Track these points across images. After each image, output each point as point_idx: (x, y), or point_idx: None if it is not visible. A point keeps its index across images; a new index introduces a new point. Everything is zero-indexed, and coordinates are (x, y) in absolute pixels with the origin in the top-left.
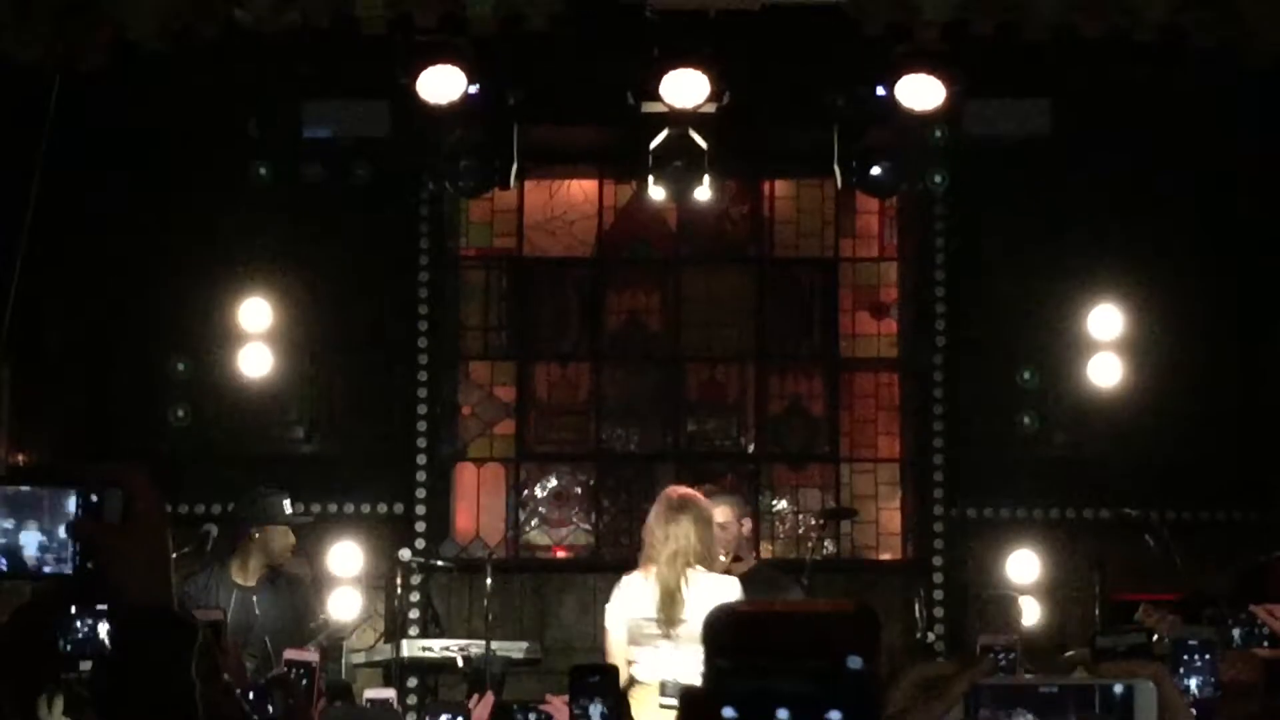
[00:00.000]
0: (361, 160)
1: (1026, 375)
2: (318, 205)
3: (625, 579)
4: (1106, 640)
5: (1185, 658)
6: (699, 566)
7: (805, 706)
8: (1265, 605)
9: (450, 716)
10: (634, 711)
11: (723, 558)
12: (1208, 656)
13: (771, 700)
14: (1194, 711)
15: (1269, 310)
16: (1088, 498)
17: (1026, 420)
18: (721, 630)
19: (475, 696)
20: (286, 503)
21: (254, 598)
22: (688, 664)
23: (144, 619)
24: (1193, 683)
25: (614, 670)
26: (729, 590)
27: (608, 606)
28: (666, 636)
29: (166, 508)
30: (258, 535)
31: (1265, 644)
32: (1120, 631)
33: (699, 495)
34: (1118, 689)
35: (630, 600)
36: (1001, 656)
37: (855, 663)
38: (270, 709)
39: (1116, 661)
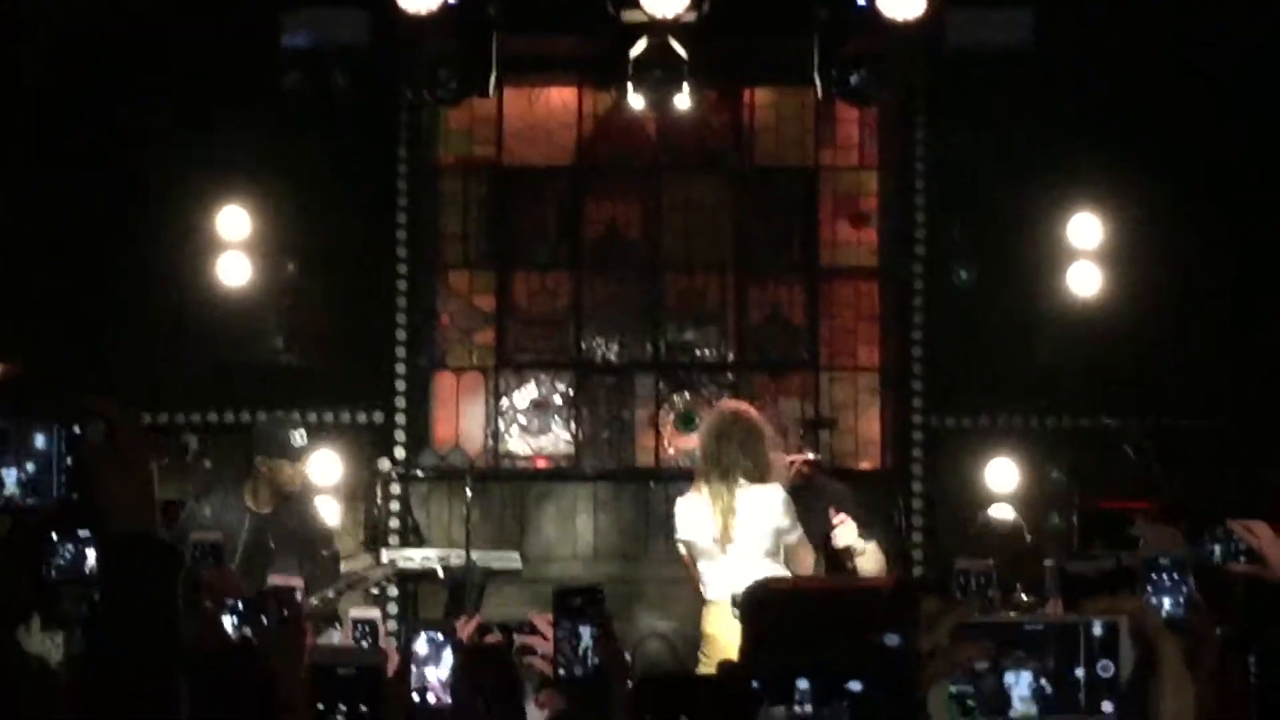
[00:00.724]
0: (340, 69)
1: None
2: (297, 114)
3: (680, 500)
4: (1077, 567)
5: (1156, 577)
6: (745, 481)
7: (826, 678)
8: (1244, 521)
9: (433, 635)
10: (710, 627)
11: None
12: (1178, 576)
13: (795, 673)
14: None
15: (1248, 219)
16: (1066, 407)
17: (1006, 330)
18: (758, 606)
19: (462, 620)
20: (296, 434)
21: (267, 528)
22: (747, 575)
23: (129, 545)
24: (1165, 602)
25: (599, 590)
26: (774, 501)
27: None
28: (724, 553)
29: (149, 437)
30: (265, 466)
31: (1243, 559)
32: (1090, 556)
33: (749, 411)
34: (1100, 625)
35: (688, 521)
36: (975, 580)
37: (892, 639)
38: (264, 620)
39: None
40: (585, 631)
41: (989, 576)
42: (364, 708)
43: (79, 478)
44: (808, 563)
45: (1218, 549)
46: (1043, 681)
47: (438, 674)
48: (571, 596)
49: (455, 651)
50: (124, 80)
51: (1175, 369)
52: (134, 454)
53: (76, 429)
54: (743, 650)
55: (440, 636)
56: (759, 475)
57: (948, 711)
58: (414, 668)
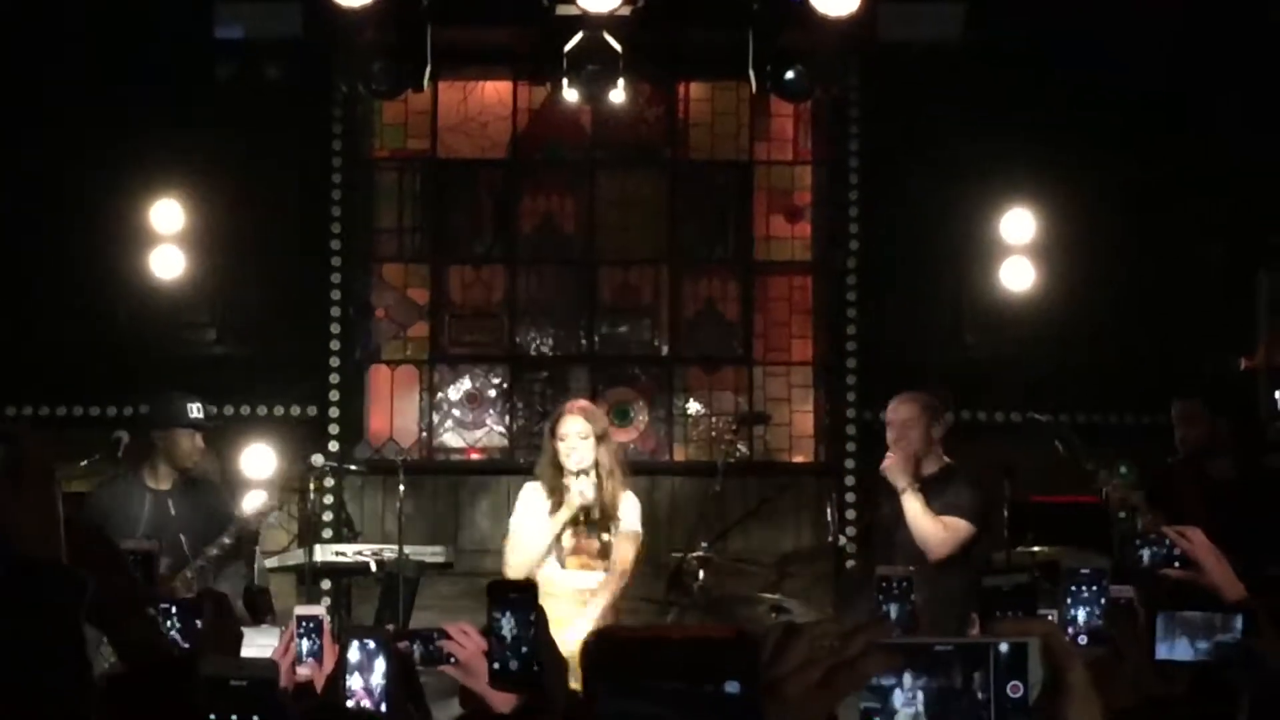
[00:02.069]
0: (274, 62)
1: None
2: (230, 107)
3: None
4: (993, 581)
5: (1074, 588)
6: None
7: None
8: (1177, 526)
9: (365, 642)
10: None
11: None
12: (1096, 587)
13: None
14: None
15: (1181, 214)
16: (998, 401)
17: (939, 324)
18: (599, 654)
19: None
20: (192, 406)
21: (168, 500)
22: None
23: (34, 572)
24: (1080, 613)
25: (532, 585)
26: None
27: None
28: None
29: (54, 463)
30: (162, 440)
31: (1176, 565)
32: (1006, 571)
33: (591, 408)
34: (1010, 646)
35: (530, 510)
36: (897, 585)
37: (733, 687)
38: (198, 623)
39: (1009, 619)
40: (507, 625)
41: (909, 582)
42: (256, 718)
43: None
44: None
45: (1147, 554)
46: (951, 702)
47: (371, 680)
48: (505, 590)
49: (389, 659)
50: (55, 72)
51: (1107, 364)
52: (39, 480)
53: None
54: (583, 700)
55: (373, 644)
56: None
57: None
58: (348, 673)
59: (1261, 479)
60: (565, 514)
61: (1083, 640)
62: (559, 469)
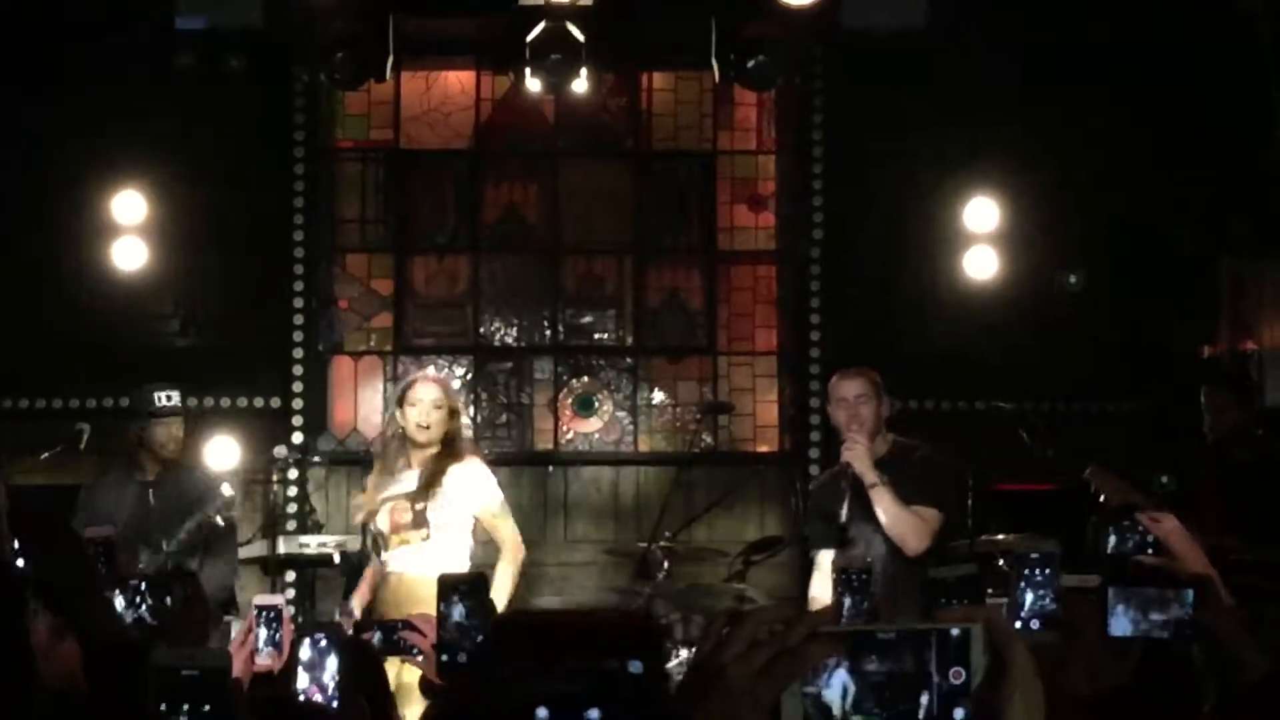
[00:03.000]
0: (235, 51)
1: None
2: (192, 97)
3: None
4: (940, 572)
5: (1026, 572)
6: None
7: (565, 705)
8: (1151, 512)
9: (318, 637)
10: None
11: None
12: (1049, 570)
13: (535, 702)
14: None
15: (1146, 202)
16: (962, 390)
17: (903, 314)
18: (506, 635)
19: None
20: (160, 395)
21: (149, 491)
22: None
23: None
24: (1029, 597)
25: (482, 576)
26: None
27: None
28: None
29: None
30: (138, 432)
31: (1150, 551)
32: (952, 563)
33: (446, 381)
34: (953, 632)
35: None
36: (856, 578)
37: (635, 666)
38: (168, 600)
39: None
40: (467, 615)
41: (868, 575)
42: (207, 708)
43: None
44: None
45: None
46: (894, 688)
47: (313, 674)
48: (456, 583)
49: (341, 654)
50: (14, 63)
51: (1071, 353)
52: None
53: None
54: (486, 680)
55: (325, 640)
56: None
57: (799, 713)
58: (300, 670)
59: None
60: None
61: (1035, 625)
62: (402, 443)
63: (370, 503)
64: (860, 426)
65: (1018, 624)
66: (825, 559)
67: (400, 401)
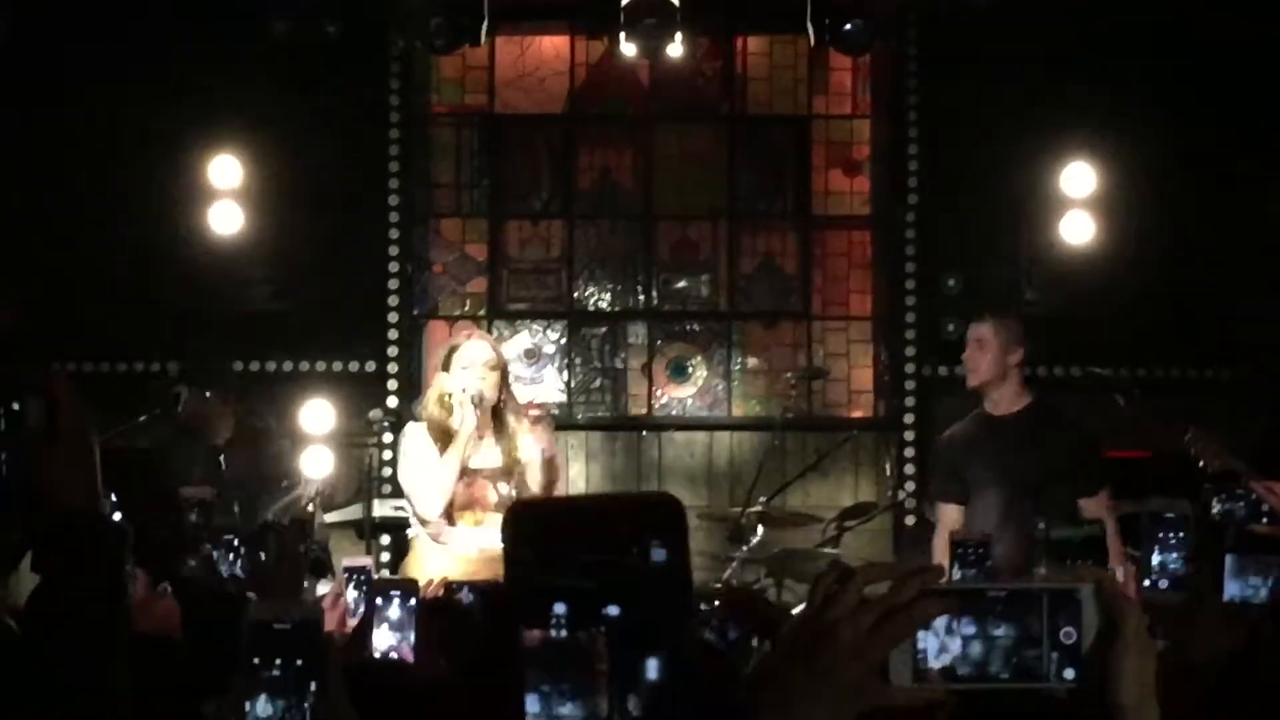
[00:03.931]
0: (331, 18)
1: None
2: (288, 63)
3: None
4: (1063, 532)
5: (1158, 534)
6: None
7: (582, 601)
8: (1265, 481)
9: (400, 594)
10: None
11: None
12: (1181, 533)
13: (552, 597)
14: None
15: (1241, 166)
16: (1058, 355)
17: (998, 279)
18: (518, 523)
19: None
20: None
21: (221, 456)
22: None
23: (72, 525)
24: (1163, 558)
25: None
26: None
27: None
28: None
29: (87, 414)
30: (182, 402)
31: (1264, 520)
32: (1075, 524)
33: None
34: (1064, 592)
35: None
36: (972, 551)
37: (659, 555)
38: (262, 556)
39: (1065, 565)
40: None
41: (986, 548)
42: (300, 662)
43: (14, 458)
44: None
45: (1231, 507)
46: (1004, 647)
47: (401, 633)
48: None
49: (418, 610)
50: (113, 30)
51: (1168, 319)
52: (74, 431)
53: (15, 406)
54: (505, 573)
55: (401, 595)
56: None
57: (908, 670)
58: (375, 625)
59: None
60: (460, 447)
61: (1163, 584)
62: (450, 410)
63: (447, 470)
64: (974, 375)
65: (1146, 583)
66: (948, 514)
67: (446, 365)
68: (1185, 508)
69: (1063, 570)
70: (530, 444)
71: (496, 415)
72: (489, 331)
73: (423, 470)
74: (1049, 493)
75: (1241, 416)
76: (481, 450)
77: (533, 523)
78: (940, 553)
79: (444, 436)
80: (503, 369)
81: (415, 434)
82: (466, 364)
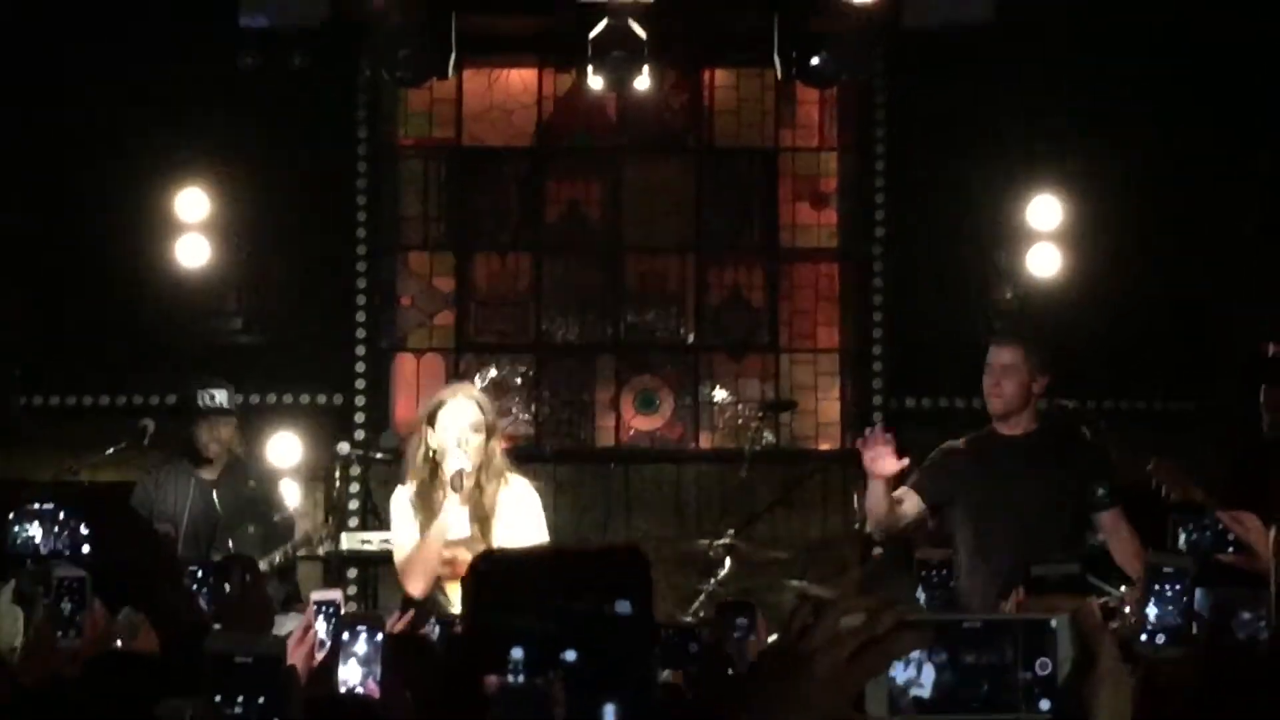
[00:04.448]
0: (299, 49)
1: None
2: (255, 95)
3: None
4: (1042, 569)
5: (1156, 586)
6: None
7: (539, 646)
8: (1231, 510)
9: (367, 629)
10: None
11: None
12: (1179, 586)
13: (511, 642)
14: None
15: (1208, 200)
16: None
17: (966, 311)
18: (484, 571)
19: (397, 614)
20: (207, 394)
21: (213, 492)
22: None
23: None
24: (1156, 611)
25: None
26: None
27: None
28: None
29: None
30: (188, 432)
31: (1230, 550)
32: (1056, 561)
33: (481, 394)
34: (1039, 623)
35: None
36: (935, 572)
37: (623, 607)
38: (227, 586)
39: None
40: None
41: (949, 569)
42: (262, 699)
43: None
44: None
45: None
46: (979, 678)
47: (367, 668)
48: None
49: (384, 644)
50: (79, 61)
51: (1134, 350)
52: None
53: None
54: (464, 619)
55: (368, 629)
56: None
57: (883, 701)
58: (342, 660)
59: None
60: (441, 533)
61: (1160, 639)
62: (437, 468)
63: (428, 552)
64: (999, 400)
65: (1143, 636)
66: (908, 495)
67: (430, 421)
68: (1185, 561)
69: (1041, 601)
70: (512, 512)
71: (487, 477)
72: (455, 365)
73: (407, 545)
74: (1050, 521)
75: (1208, 447)
76: (464, 519)
77: (497, 573)
78: (873, 498)
79: (429, 501)
80: (488, 429)
81: (400, 502)
82: (449, 425)
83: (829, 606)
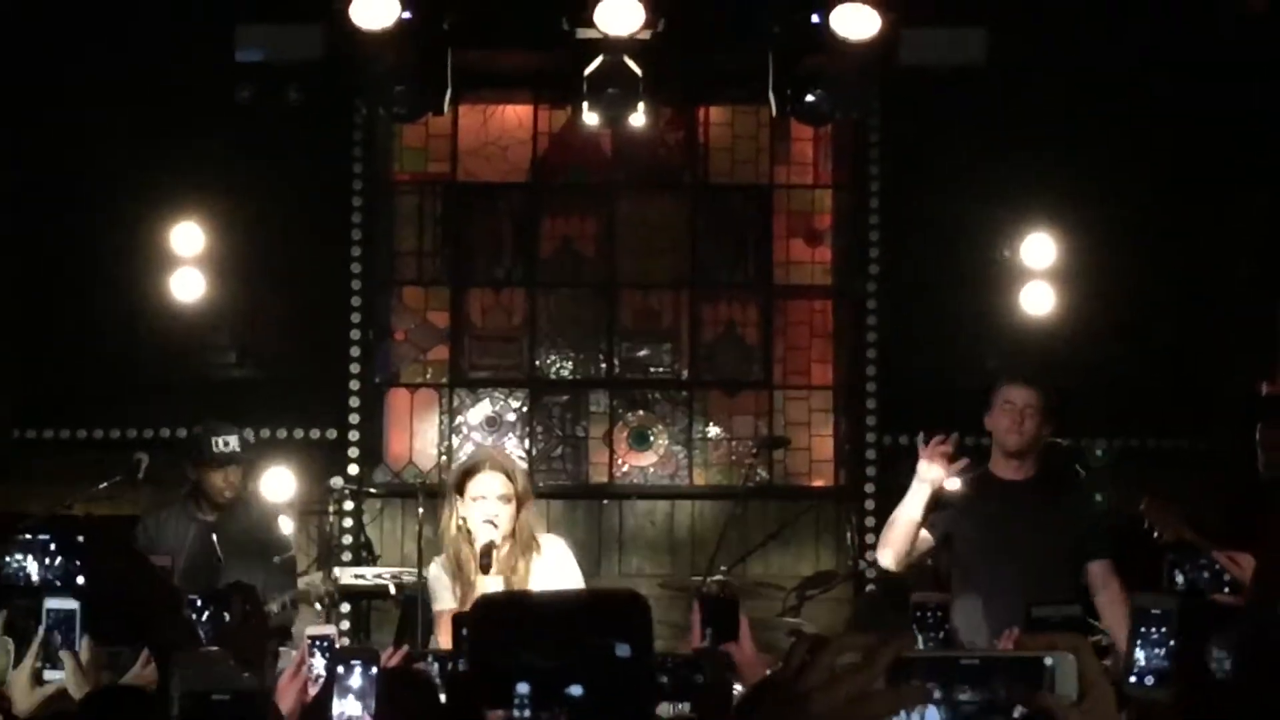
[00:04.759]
0: (294, 84)
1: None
2: (251, 129)
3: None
4: (1042, 611)
5: (1143, 629)
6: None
7: (546, 682)
8: (1227, 551)
9: (361, 663)
10: None
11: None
12: (1164, 628)
13: (515, 677)
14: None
15: (1201, 238)
16: None
17: (959, 349)
18: (484, 611)
19: (392, 649)
20: (219, 440)
21: (213, 535)
22: None
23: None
24: (1148, 654)
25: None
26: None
27: None
28: None
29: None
30: (194, 475)
31: (1226, 590)
32: (1056, 603)
33: (511, 460)
34: (1037, 661)
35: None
36: (931, 615)
37: (623, 650)
38: (227, 616)
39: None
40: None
41: (944, 610)
42: None
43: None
44: None
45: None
46: (978, 716)
47: (363, 702)
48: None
49: (379, 679)
50: (76, 93)
51: (1127, 389)
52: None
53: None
54: (467, 655)
55: (363, 663)
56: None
57: None
58: (336, 695)
59: None
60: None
61: (1149, 681)
62: (470, 536)
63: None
64: (1020, 438)
65: (1131, 679)
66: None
67: (459, 489)
68: (1170, 603)
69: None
70: (548, 580)
71: (521, 546)
72: (450, 400)
73: (442, 618)
74: (1048, 565)
75: (1200, 486)
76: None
77: (498, 616)
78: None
79: (466, 572)
80: (518, 498)
81: (436, 576)
82: (476, 495)
83: (826, 644)
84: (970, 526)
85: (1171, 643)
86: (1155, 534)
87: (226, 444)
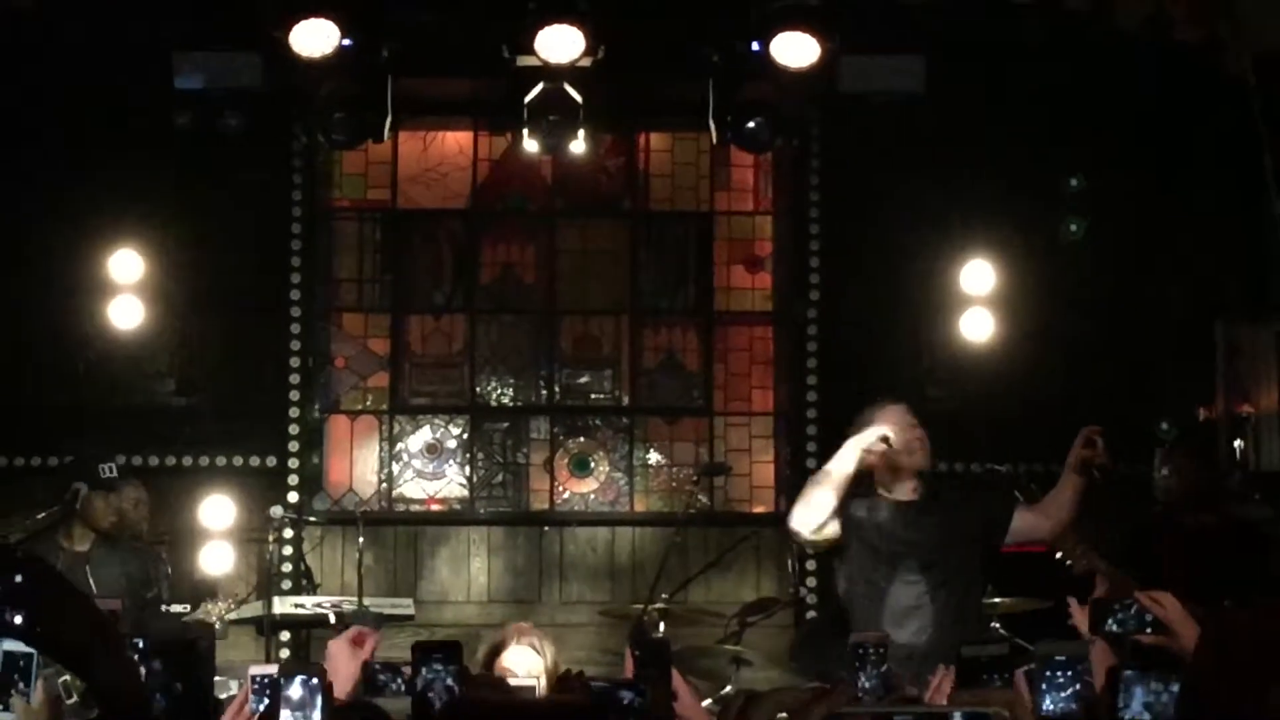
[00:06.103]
0: (234, 111)
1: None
2: (190, 156)
3: None
4: (970, 650)
5: (1049, 674)
6: None
7: None
8: (1150, 592)
9: (304, 679)
10: None
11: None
12: (1071, 673)
13: None
14: None
15: (1139, 264)
16: (958, 452)
17: (899, 375)
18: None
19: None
20: (104, 467)
21: (85, 565)
22: None
23: None
24: (1047, 701)
25: (456, 645)
26: None
27: None
28: None
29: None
30: (75, 499)
31: (1149, 630)
32: (983, 641)
33: (540, 635)
34: (973, 714)
35: None
36: (872, 651)
37: None
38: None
39: (974, 690)
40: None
41: (884, 649)
42: None
43: None
44: None
45: (1121, 620)
46: None
47: (303, 712)
48: (430, 650)
49: (327, 698)
50: (12, 122)
51: (1065, 415)
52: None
53: None
54: None
55: (313, 682)
56: None
57: None
58: (286, 712)
59: (1233, 528)
60: None
61: None
62: None
63: None
64: (922, 446)
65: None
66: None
67: (489, 665)
68: (1076, 648)
69: (975, 688)
70: None
71: None
72: (390, 427)
73: None
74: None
75: (1123, 512)
76: None
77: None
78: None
79: None
80: (548, 674)
81: None
82: (506, 670)
83: (762, 699)
84: (868, 531)
85: (1078, 686)
86: (1068, 563)
87: (111, 469)
